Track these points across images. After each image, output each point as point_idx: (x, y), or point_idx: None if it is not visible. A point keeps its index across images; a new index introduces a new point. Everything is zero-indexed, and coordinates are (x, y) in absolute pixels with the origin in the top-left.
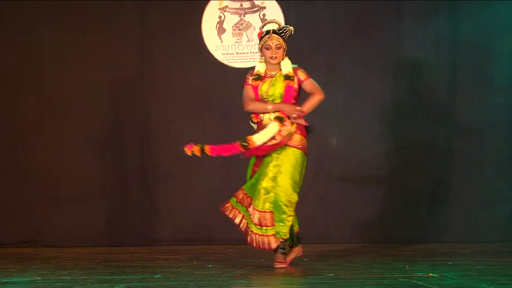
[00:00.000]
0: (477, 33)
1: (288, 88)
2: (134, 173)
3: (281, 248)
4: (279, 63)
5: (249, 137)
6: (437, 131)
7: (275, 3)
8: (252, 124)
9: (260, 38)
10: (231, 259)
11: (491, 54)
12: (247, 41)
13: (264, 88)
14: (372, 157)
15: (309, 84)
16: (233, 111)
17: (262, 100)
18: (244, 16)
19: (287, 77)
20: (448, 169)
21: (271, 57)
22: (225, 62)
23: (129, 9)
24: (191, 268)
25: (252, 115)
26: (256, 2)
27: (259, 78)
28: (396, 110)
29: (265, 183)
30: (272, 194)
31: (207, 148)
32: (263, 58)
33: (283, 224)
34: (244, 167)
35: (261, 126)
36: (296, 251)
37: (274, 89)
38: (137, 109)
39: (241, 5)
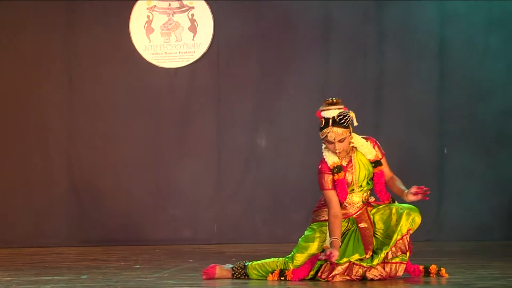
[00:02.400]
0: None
1: (378, 176)
2: (61, 173)
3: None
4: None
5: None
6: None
7: (204, 3)
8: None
9: (320, 127)
10: (158, 259)
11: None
12: (175, 41)
13: (351, 182)
14: (298, 156)
15: (385, 165)
16: (161, 111)
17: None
18: (173, 16)
19: (377, 164)
20: None
21: (337, 152)
22: (154, 62)
23: (56, 8)
24: (119, 269)
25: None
26: (185, 2)
27: (341, 169)
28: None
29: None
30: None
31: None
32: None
33: None
34: (172, 165)
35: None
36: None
37: (363, 177)
38: (64, 109)
39: (169, 5)
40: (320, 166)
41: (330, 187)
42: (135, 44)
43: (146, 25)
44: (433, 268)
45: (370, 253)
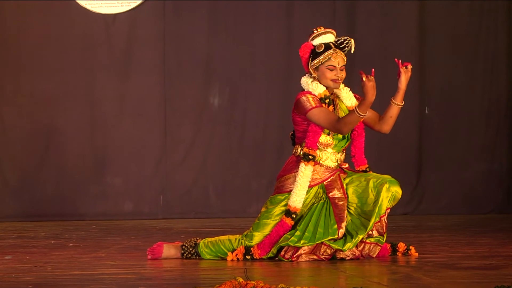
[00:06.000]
0: None
1: (358, 134)
2: None
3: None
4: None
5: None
6: None
7: None
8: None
9: (313, 54)
10: (95, 237)
11: None
12: None
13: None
14: (257, 116)
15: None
16: (97, 65)
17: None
18: None
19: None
20: None
21: (334, 80)
22: (88, 7)
23: None
24: (48, 248)
25: (308, 149)
26: None
27: (331, 102)
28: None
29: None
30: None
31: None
32: (311, 77)
33: None
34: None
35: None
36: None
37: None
38: None
39: None
40: (299, 94)
41: (316, 104)
42: None
43: None
44: (401, 246)
45: (342, 231)
